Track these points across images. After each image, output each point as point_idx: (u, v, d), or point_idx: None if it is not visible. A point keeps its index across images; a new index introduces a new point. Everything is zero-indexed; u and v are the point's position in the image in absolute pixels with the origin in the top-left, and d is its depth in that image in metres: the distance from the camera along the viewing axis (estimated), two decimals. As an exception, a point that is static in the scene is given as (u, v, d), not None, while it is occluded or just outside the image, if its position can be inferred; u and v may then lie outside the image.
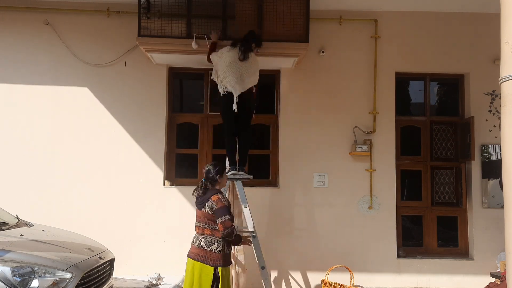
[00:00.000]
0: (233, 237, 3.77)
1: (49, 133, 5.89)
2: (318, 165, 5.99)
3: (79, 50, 5.97)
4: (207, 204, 3.77)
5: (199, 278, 3.70)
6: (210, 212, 3.77)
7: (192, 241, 3.87)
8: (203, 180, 3.91)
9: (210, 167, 3.95)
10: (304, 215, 5.93)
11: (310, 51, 5.83)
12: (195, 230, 3.89)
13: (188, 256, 3.82)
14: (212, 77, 5.13)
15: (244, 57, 4.91)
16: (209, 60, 5.14)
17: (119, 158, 5.90)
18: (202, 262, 3.72)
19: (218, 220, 3.73)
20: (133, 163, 5.90)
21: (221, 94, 4.99)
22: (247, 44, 4.98)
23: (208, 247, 3.75)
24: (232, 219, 3.80)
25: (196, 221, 3.88)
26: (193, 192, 3.93)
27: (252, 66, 5.00)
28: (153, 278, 5.47)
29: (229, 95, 4.92)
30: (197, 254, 3.76)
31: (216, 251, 3.74)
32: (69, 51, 5.95)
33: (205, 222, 3.79)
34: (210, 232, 3.78)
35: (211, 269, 3.71)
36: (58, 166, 5.86)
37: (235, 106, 4.87)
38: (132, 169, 5.90)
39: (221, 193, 3.89)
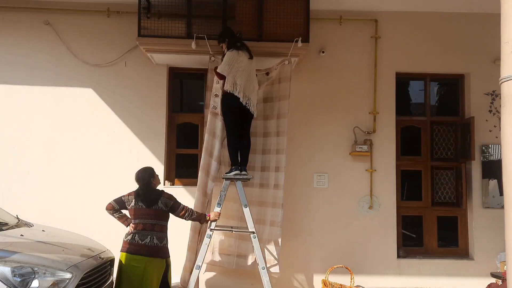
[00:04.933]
0: (197, 218, 4.42)
1: (48, 133, 5.89)
2: (318, 165, 5.99)
3: (79, 50, 5.96)
4: (160, 201, 4.16)
5: (153, 271, 4.06)
6: (165, 209, 4.17)
7: (134, 238, 4.08)
8: (139, 188, 4.25)
9: (142, 175, 4.28)
10: (304, 215, 5.92)
11: (310, 51, 5.83)
12: (137, 227, 4.12)
13: (137, 253, 4.05)
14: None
15: (251, 55, 5.07)
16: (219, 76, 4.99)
17: (119, 158, 5.89)
18: (157, 257, 4.10)
19: (178, 211, 4.25)
20: (133, 163, 5.86)
21: (228, 91, 4.82)
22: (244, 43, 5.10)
23: (161, 243, 4.14)
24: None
25: (140, 218, 4.15)
26: (136, 198, 4.21)
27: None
28: (153, 278, 5.46)
29: (234, 96, 4.87)
30: (150, 251, 4.07)
31: (166, 246, 4.20)
32: (69, 51, 5.95)
33: (156, 219, 4.14)
34: (160, 229, 4.16)
35: (163, 261, 4.18)
36: (58, 166, 5.85)
37: (253, 109, 4.97)
38: (132, 169, 5.85)
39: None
